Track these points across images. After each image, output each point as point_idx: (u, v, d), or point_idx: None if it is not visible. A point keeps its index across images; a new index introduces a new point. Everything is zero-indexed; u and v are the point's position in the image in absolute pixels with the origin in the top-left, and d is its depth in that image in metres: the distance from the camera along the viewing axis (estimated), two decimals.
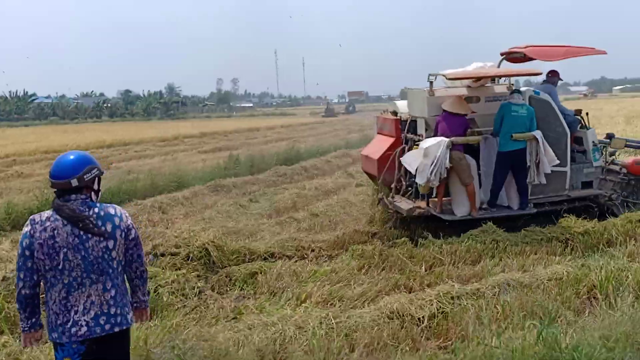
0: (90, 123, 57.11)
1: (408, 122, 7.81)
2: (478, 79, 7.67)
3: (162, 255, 6.79)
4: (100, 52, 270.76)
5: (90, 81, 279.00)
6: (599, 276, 5.04)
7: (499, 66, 8.29)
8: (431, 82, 7.48)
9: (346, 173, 13.69)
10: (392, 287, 5.47)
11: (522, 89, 7.81)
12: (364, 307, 5.00)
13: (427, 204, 7.27)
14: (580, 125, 8.15)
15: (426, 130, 7.43)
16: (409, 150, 7.43)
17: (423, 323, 4.55)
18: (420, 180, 6.94)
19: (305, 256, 7.11)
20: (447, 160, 6.80)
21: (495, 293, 4.85)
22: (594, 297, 4.94)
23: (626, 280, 4.97)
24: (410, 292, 5.27)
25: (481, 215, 7.14)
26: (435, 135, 7.08)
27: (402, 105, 8.25)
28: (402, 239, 6.98)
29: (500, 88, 7.85)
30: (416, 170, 6.93)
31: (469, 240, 6.61)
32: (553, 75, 8.16)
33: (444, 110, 7.11)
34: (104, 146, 25.11)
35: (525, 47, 7.79)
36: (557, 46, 8.01)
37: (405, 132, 7.76)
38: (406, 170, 7.43)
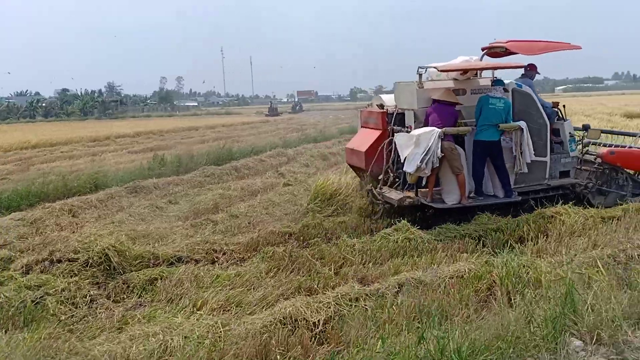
0: (22, 123, 54.36)
1: (394, 115, 8.05)
2: (465, 71, 7.94)
3: (59, 261, 6.39)
4: (38, 51, 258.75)
5: (27, 80, 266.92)
6: (500, 273, 5.02)
7: (481, 60, 8.46)
8: (420, 75, 7.72)
9: (277, 172, 13.46)
10: (295, 290, 5.29)
11: (506, 81, 8.05)
12: (261, 312, 4.79)
13: (416, 194, 7.50)
14: (557, 117, 8.52)
15: (415, 121, 7.66)
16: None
17: (318, 327, 4.38)
18: (410, 168, 7.17)
19: (216, 260, 6.83)
20: (440, 150, 7.08)
21: (395, 293, 4.75)
22: (494, 295, 4.91)
23: (527, 276, 4.96)
24: (311, 295, 5.10)
25: (470, 204, 7.48)
26: (425, 126, 7.32)
27: (388, 99, 8.50)
28: (314, 239, 6.84)
29: (484, 81, 8.17)
30: (405, 158, 7.19)
31: (381, 239, 6.53)
32: (531, 69, 8.48)
33: (435, 102, 7.45)
34: (28, 147, 23.84)
35: (506, 42, 8.09)
36: (537, 41, 8.27)
37: (391, 125, 8.00)
38: (394, 162, 7.77)
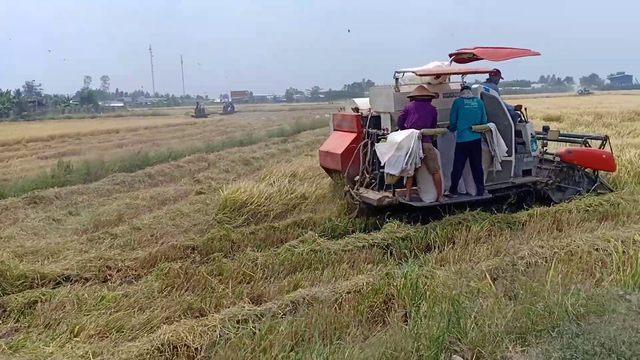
0: None
1: (369, 118, 8.41)
2: (437, 76, 8.40)
3: None
4: None
5: None
6: (398, 286, 4.96)
7: (450, 65, 9.01)
8: (397, 79, 8.19)
9: (193, 179, 13.02)
10: (184, 311, 5.00)
11: (474, 86, 8.55)
12: (143, 338, 4.47)
13: (393, 194, 7.83)
14: (519, 119, 9.05)
15: (392, 124, 8.02)
16: (371, 144, 8.15)
17: (200, 354, 4.13)
18: (394, 171, 7.48)
19: (108, 278, 6.43)
20: (421, 151, 7.50)
21: (288, 312, 4.57)
22: (393, 308, 4.84)
23: (424, 288, 4.93)
24: (202, 316, 4.84)
25: (446, 202, 7.89)
26: (402, 125, 7.73)
27: (361, 102, 8.94)
28: (216, 253, 6.57)
29: (454, 85, 8.64)
30: (386, 162, 7.50)
31: (286, 251, 6.35)
32: (496, 74, 9.03)
33: (412, 100, 7.79)
34: None
35: (474, 48, 8.70)
36: (501, 48, 8.87)
37: (366, 128, 8.34)
38: (370, 163, 8.16)
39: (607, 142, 9.68)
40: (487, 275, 4.72)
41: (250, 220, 8.35)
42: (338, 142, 8.67)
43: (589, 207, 8.25)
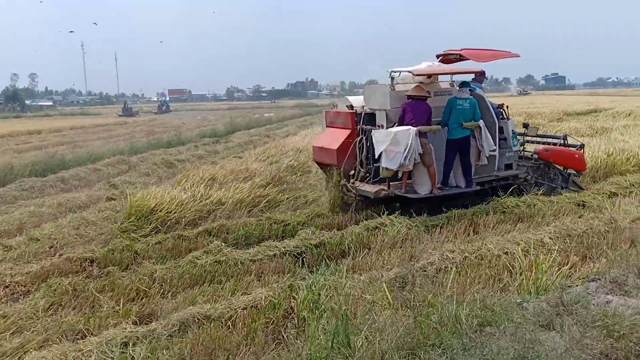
0: None
1: (362, 115, 8.75)
2: (429, 76, 8.88)
3: None
4: None
5: None
6: (300, 299, 4.76)
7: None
8: (392, 78, 8.61)
9: (109, 184, 12.39)
10: (63, 334, 4.60)
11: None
12: None
13: (388, 187, 8.27)
14: (501, 116, 9.52)
15: (387, 121, 8.46)
16: (366, 139, 8.54)
17: None
18: (392, 166, 7.93)
19: None
20: (420, 147, 7.94)
21: (174, 334, 4.27)
22: (294, 323, 4.63)
23: (327, 300, 4.74)
24: (84, 339, 4.46)
25: (440, 193, 8.43)
26: (401, 123, 8.15)
27: (355, 100, 9.31)
28: (113, 266, 6.16)
29: (444, 84, 9.17)
30: (380, 155, 7.98)
31: (188, 263, 6.03)
32: (481, 75, 9.66)
33: (409, 98, 8.24)
34: None
35: (461, 50, 9.19)
36: (485, 49, 9.42)
37: (360, 124, 8.70)
38: (365, 158, 8.59)
39: (566, 141, 10.33)
40: (385, 285, 4.58)
41: (159, 228, 7.95)
42: (333, 138, 9.05)
43: (506, 208, 8.38)
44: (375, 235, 7.10)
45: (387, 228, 7.29)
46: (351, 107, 9.12)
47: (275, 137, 23.02)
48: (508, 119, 9.68)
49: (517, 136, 9.79)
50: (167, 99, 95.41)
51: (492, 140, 8.74)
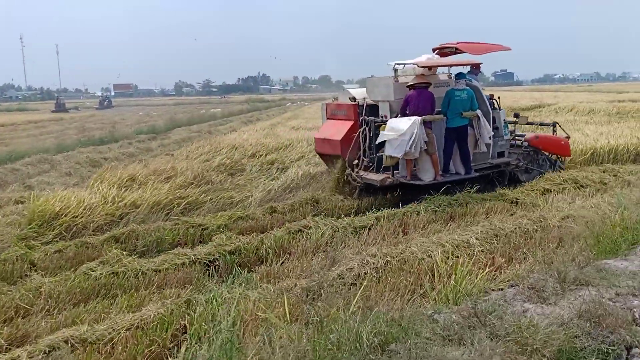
0: None
1: (364, 107, 9.19)
2: (429, 68, 9.24)
3: None
4: None
5: None
6: (194, 316, 4.29)
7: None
8: (396, 70, 9.03)
9: (24, 185, 11.52)
10: None
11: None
12: None
13: (392, 175, 8.75)
14: (493, 107, 9.96)
15: (390, 111, 8.93)
16: (368, 130, 9.01)
17: None
18: (397, 153, 8.32)
19: None
20: (425, 135, 8.38)
21: None
22: (185, 345, 4.16)
23: (227, 317, 4.28)
24: None
25: (443, 180, 8.83)
26: (405, 112, 8.61)
27: (357, 92, 9.74)
28: None
29: (442, 76, 9.65)
30: (389, 145, 8.35)
31: (82, 276, 5.46)
32: (477, 67, 10.14)
33: (412, 88, 8.65)
34: None
35: (457, 43, 9.69)
36: (480, 43, 9.98)
37: (362, 116, 9.13)
38: (369, 148, 9.03)
39: (556, 128, 10.99)
40: (286, 298, 4.15)
41: (64, 235, 7.30)
42: (335, 129, 9.46)
43: (438, 207, 8.13)
44: (298, 239, 6.70)
45: (311, 231, 6.90)
46: (353, 99, 9.51)
47: (217, 133, 22.34)
48: (500, 109, 10.20)
49: (508, 125, 10.40)
50: (112, 94, 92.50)
51: (490, 129, 9.30)
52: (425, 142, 8.43)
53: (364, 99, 9.36)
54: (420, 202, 8.34)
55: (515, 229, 6.79)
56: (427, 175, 8.81)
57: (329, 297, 4.50)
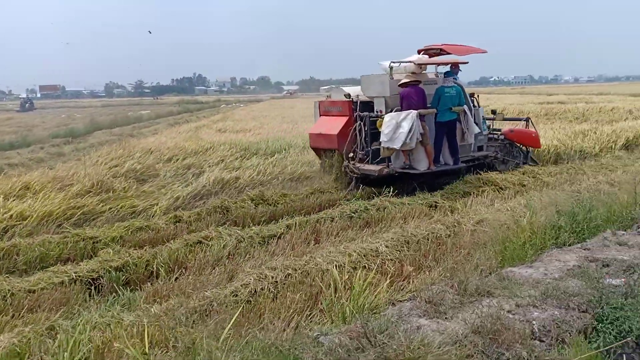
0: None
1: (358, 103, 10.02)
2: (420, 66, 10.00)
3: None
4: None
5: None
6: (50, 349, 3.77)
7: None
8: (391, 68, 9.71)
9: None
10: None
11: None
12: None
13: (388, 165, 9.43)
14: (473, 104, 10.87)
15: (385, 106, 9.63)
16: (363, 124, 9.79)
17: None
18: (396, 145, 9.04)
19: None
20: (421, 127, 9.17)
21: None
22: None
23: (88, 348, 3.78)
24: None
25: (436, 169, 9.69)
26: (402, 107, 9.32)
27: (352, 90, 10.47)
28: None
29: (430, 75, 10.51)
30: (388, 138, 9.04)
31: None
32: (456, 67, 10.60)
33: (404, 86, 9.41)
34: None
35: (442, 45, 10.67)
36: (461, 45, 10.95)
37: (357, 112, 9.93)
38: (364, 141, 9.78)
39: (530, 122, 12.05)
40: (146, 327, 3.70)
41: None
42: (331, 125, 10.20)
43: (354, 213, 7.90)
44: (196, 252, 6.25)
45: (212, 242, 6.47)
46: (348, 96, 10.26)
47: (139, 136, 21.46)
48: (479, 106, 11.11)
49: (486, 121, 11.52)
50: (38, 95, 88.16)
51: (475, 125, 10.29)
52: (421, 134, 9.18)
53: (358, 96, 10.18)
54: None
55: (428, 234, 6.62)
56: (422, 164, 9.59)
57: (214, 319, 4.10)
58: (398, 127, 9.00)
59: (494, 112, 12.18)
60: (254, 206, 8.30)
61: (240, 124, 20.98)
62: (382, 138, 9.15)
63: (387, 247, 6.09)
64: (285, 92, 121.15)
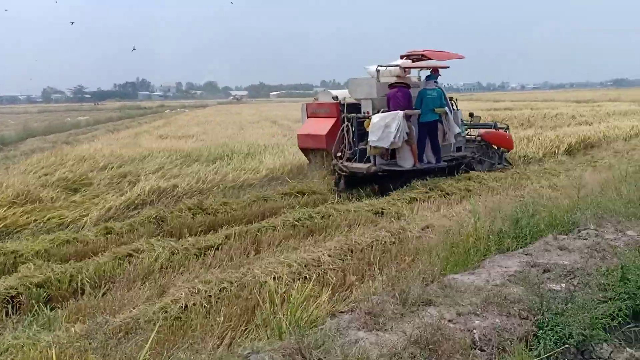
0: None
1: (345, 105, 10.70)
2: (404, 70, 10.95)
3: None
4: None
5: None
6: None
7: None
8: (378, 71, 10.63)
9: None
10: None
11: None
12: None
13: (375, 164, 9.99)
14: (452, 108, 11.52)
15: (372, 108, 10.32)
16: (350, 125, 10.37)
17: None
18: (384, 144, 9.72)
19: None
20: (407, 127, 9.93)
21: None
22: None
23: None
24: None
25: (420, 167, 10.50)
26: (388, 108, 10.14)
27: (339, 93, 11.32)
28: None
29: (414, 79, 11.43)
30: (376, 137, 9.68)
31: None
32: (436, 72, 11.26)
33: (394, 87, 10.36)
34: None
35: (423, 51, 11.36)
36: (442, 51, 11.83)
37: (344, 113, 10.56)
38: (351, 141, 10.35)
39: (508, 129, 13.27)
40: (54, 351, 3.40)
41: None
42: (319, 126, 10.84)
43: (297, 221, 7.74)
44: (125, 266, 5.95)
45: (143, 255, 6.17)
46: (336, 98, 10.98)
47: (75, 143, 20.65)
48: (457, 110, 11.75)
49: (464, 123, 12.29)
50: None
51: (456, 126, 11.13)
52: (407, 133, 9.91)
53: (344, 98, 10.92)
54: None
55: (373, 242, 6.54)
56: (407, 162, 10.36)
57: (133, 339, 3.85)
58: (386, 127, 9.66)
59: (471, 115, 12.91)
60: (191, 216, 8.02)
61: (182, 130, 20.54)
62: (371, 137, 9.77)
63: (329, 256, 5.97)
64: (232, 97, 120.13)
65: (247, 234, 7.17)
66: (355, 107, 10.71)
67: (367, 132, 9.95)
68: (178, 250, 6.44)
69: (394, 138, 9.65)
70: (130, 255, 6.17)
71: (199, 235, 7.23)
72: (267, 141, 16.34)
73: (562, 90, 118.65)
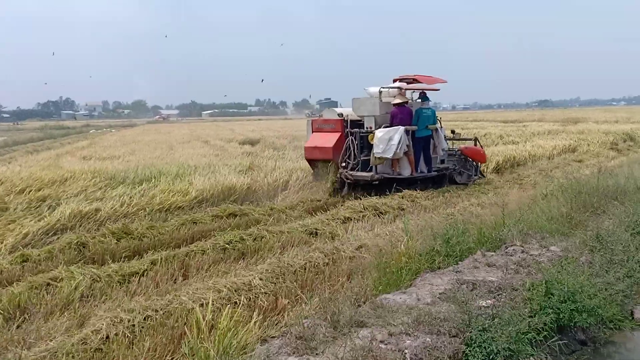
0: None
1: (348, 122, 12.37)
2: (401, 92, 12.47)
3: None
4: None
5: None
6: None
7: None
8: (380, 92, 12.29)
9: None
10: None
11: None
12: None
13: (376, 172, 11.65)
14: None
15: (375, 124, 11.97)
16: (354, 139, 11.99)
17: None
18: (388, 155, 11.44)
19: None
20: (407, 140, 11.73)
21: None
22: None
23: None
24: None
25: (417, 175, 12.25)
26: (392, 124, 11.83)
27: (344, 110, 13.03)
28: None
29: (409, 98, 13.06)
30: (381, 149, 11.42)
31: None
32: (424, 94, 12.92)
33: (395, 106, 12.06)
34: None
35: (414, 75, 13.14)
36: (429, 76, 13.55)
37: (347, 128, 12.24)
38: (355, 152, 11.95)
39: (478, 141, 14.34)
40: None
41: None
42: (325, 139, 12.33)
43: (228, 244, 7.62)
44: (42, 296, 5.65)
45: (62, 284, 5.88)
46: (341, 115, 12.67)
47: None
48: (442, 127, 13.24)
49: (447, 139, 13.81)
50: None
51: (444, 141, 13.06)
52: (407, 146, 11.64)
53: (348, 115, 12.55)
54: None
55: (306, 263, 6.53)
56: (406, 171, 12.10)
57: None
58: (390, 140, 11.36)
59: (453, 132, 14.38)
60: (115, 241, 7.72)
61: (108, 151, 19.89)
62: (376, 149, 11.46)
63: (261, 279, 5.90)
64: (158, 116, 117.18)
65: (175, 258, 6.98)
66: (357, 124, 12.40)
67: (369, 144, 11.73)
68: (100, 278, 6.17)
69: (397, 149, 11.38)
70: (49, 284, 5.87)
71: (123, 261, 6.97)
72: (197, 161, 16.04)
73: (491, 111, 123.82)
